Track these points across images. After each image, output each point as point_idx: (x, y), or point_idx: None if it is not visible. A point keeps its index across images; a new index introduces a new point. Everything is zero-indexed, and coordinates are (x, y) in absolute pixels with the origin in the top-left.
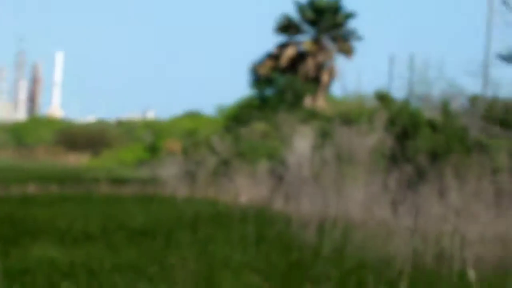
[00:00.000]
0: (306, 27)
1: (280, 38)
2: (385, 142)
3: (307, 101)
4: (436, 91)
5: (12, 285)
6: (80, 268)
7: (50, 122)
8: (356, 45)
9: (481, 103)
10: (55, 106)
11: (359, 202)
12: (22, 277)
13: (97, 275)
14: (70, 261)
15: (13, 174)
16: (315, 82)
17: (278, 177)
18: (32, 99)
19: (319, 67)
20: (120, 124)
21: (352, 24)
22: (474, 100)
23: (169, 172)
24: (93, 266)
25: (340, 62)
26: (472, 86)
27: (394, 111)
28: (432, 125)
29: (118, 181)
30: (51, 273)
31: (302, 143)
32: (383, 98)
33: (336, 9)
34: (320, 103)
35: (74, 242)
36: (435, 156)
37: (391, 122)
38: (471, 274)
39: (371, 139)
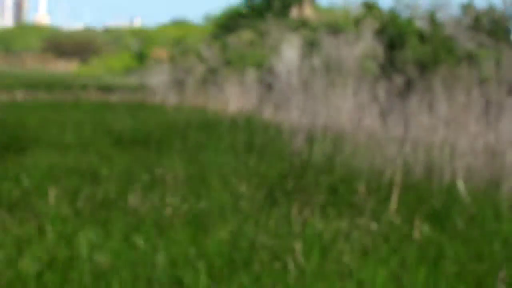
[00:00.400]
0: None
1: None
2: (374, 51)
3: (294, 11)
4: (423, 0)
5: (10, 187)
6: (74, 173)
7: (37, 29)
8: None
9: (470, 13)
10: (42, 13)
11: (348, 111)
12: (18, 180)
13: (91, 180)
14: (64, 166)
15: (1, 80)
16: None
17: (266, 86)
18: (18, 6)
19: None
20: (107, 31)
21: None
22: (464, 9)
23: (158, 80)
24: (86, 171)
25: None
26: None
27: (383, 20)
28: (420, 35)
29: (107, 88)
30: (46, 177)
31: (290, 51)
32: (370, 7)
33: None
34: (307, 12)
35: (66, 149)
36: (423, 67)
37: (379, 31)
38: (461, 185)
39: (359, 48)
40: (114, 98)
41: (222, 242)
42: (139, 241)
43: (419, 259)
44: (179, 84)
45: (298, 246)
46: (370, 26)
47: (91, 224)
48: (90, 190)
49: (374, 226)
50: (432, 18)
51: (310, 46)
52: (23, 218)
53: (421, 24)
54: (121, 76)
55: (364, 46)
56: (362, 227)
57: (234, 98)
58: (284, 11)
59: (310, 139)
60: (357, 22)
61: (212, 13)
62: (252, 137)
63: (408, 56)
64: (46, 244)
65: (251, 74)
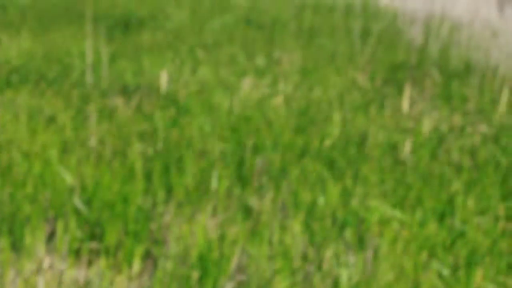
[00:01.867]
0: None
1: None
2: None
3: None
4: None
5: (124, 68)
6: (189, 52)
7: None
8: None
9: None
10: None
11: (465, 0)
12: (133, 59)
13: (201, 62)
14: (179, 45)
15: None
16: None
17: None
18: None
19: None
20: None
21: None
22: None
23: None
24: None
25: None
26: None
27: None
28: None
29: None
30: (160, 58)
31: None
32: None
33: None
34: None
35: (181, 27)
36: None
37: None
38: None
39: None
40: None
41: (330, 135)
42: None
43: None
44: None
45: (408, 142)
46: None
47: (201, 110)
48: (202, 72)
49: (483, 127)
50: None
51: None
52: (134, 102)
53: None
54: None
55: None
56: (472, 126)
57: None
58: None
59: (426, 28)
60: None
61: None
62: (368, 24)
63: None
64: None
65: None
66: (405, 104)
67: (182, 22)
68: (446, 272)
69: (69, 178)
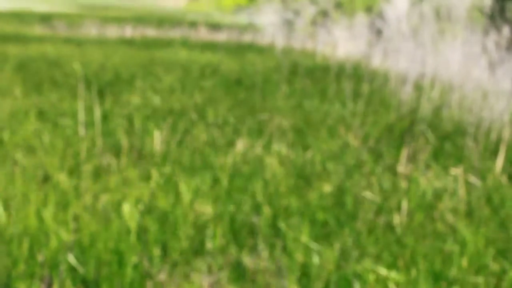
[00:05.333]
0: None
1: None
2: (484, 1)
3: None
4: None
5: (111, 126)
6: (179, 114)
7: None
8: None
9: None
10: None
11: (457, 61)
12: (122, 121)
13: (195, 123)
14: (169, 107)
15: (112, 12)
16: None
17: (376, 32)
18: None
19: None
20: None
21: None
22: None
23: (267, 20)
24: (192, 112)
25: None
26: None
27: None
28: None
29: (216, 26)
30: (151, 117)
31: None
32: None
33: None
34: None
35: (171, 92)
36: None
37: None
38: None
39: None
40: (222, 37)
41: (325, 196)
42: (241, 193)
43: None
44: (288, 25)
45: (404, 204)
46: None
47: (194, 170)
48: (194, 133)
49: (478, 184)
50: None
51: None
52: (128, 161)
53: None
54: (230, 14)
55: None
56: (467, 185)
57: (343, 42)
58: None
59: (418, 89)
60: None
61: None
62: (359, 85)
63: None
64: (148, 189)
65: (361, 19)
66: (402, 165)
67: (172, 83)
68: None
69: (64, 235)
